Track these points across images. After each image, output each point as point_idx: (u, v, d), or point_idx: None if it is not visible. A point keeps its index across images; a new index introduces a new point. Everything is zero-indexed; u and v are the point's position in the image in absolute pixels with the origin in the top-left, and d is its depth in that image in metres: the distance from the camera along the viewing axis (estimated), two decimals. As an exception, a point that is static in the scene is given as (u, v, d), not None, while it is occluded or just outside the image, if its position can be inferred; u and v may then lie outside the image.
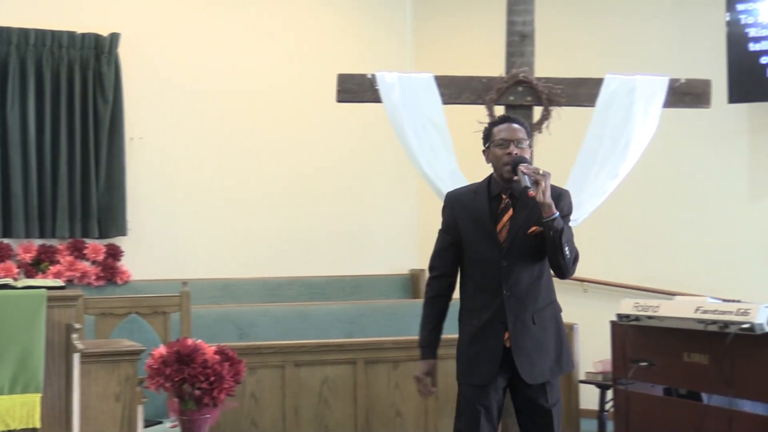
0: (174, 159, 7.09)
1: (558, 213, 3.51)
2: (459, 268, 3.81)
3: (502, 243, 3.64)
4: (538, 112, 4.95)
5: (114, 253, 6.78)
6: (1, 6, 6.58)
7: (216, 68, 7.24)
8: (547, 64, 5.17)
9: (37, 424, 3.33)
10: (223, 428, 4.59)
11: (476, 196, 3.75)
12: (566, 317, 3.82)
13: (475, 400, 3.67)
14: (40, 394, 3.34)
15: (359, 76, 4.92)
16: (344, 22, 7.76)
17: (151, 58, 7.02)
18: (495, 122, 3.81)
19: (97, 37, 6.78)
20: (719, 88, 5.55)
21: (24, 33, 6.59)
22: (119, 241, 6.86)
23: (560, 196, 3.67)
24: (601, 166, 4.87)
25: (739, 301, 3.92)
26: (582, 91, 4.97)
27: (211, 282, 6.99)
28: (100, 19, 6.83)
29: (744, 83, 6.01)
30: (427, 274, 7.74)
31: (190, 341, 3.47)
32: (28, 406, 3.33)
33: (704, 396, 3.97)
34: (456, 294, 3.87)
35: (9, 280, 3.58)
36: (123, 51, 6.86)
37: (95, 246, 6.72)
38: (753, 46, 5.99)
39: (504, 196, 3.69)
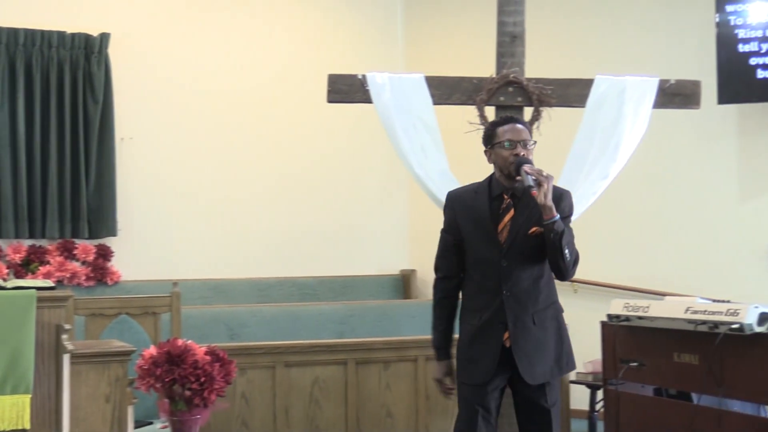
0: (164, 159, 7.07)
1: (558, 216, 3.52)
2: (464, 268, 3.81)
3: (502, 243, 3.65)
4: (528, 112, 4.96)
5: (104, 253, 6.77)
6: (-9, 6, 6.57)
7: (206, 68, 7.23)
8: (537, 65, 5.17)
9: (27, 425, 3.32)
10: (213, 429, 4.58)
11: (477, 195, 3.76)
12: (557, 318, 3.82)
13: (473, 399, 3.69)
14: (29, 395, 3.33)
15: (350, 77, 4.92)
16: (335, 23, 7.75)
17: (142, 58, 7.01)
18: (498, 122, 3.80)
19: (87, 37, 6.76)
20: (709, 89, 5.56)
21: (13, 33, 6.56)
22: (109, 241, 6.84)
23: (561, 197, 3.68)
24: (591, 167, 4.88)
25: (728, 302, 3.93)
26: (572, 92, 4.98)
27: (202, 282, 6.99)
28: (90, 19, 6.82)
29: (733, 84, 6.02)
30: (418, 275, 7.87)
31: (180, 342, 3.47)
32: (18, 407, 3.31)
33: (694, 396, 3.98)
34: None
35: (-2, 281, 3.57)
36: (113, 51, 6.84)
37: (85, 246, 6.71)
38: (742, 47, 6.00)
39: (505, 197, 3.69)
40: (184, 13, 7.24)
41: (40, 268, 6.51)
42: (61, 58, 6.69)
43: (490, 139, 3.75)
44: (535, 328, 3.65)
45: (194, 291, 6.80)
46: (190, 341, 3.49)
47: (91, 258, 6.71)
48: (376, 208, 7.79)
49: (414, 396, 5.07)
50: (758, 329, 3.60)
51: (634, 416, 4.20)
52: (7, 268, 6.42)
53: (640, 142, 4.96)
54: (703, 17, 6.24)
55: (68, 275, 6.58)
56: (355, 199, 7.69)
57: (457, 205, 3.81)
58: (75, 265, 6.66)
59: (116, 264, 6.82)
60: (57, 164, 6.63)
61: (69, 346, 3.44)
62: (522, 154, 3.63)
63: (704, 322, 3.76)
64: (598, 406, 5.36)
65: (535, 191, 3.47)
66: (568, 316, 3.83)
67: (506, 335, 3.64)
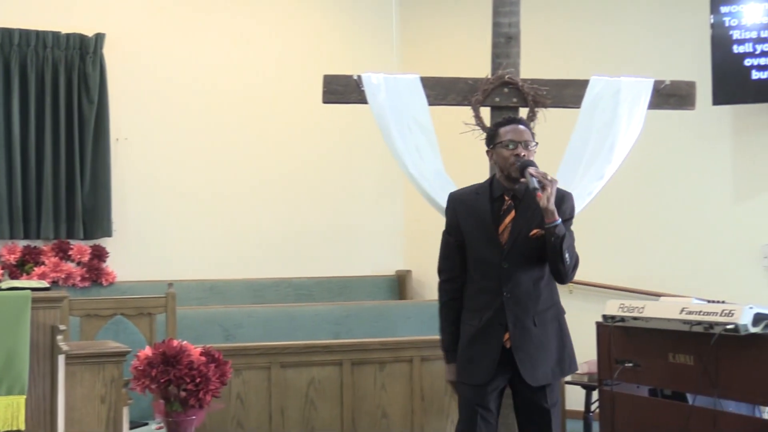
0: (159, 160, 7.07)
1: (560, 219, 3.53)
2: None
3: (503, 245, 3.65)
4: (523, 113, 4.96)
5: (99, 254, 6.76)
6: (-14, 6, 6.56)
7: (202, 69, 7.23)
8: (532, 66, 5.18)
9: (22, 426, 3.32)
10: (209, 430, 4.59)
11: (478, 197, 3.76)
12: (551, 319, 3.83)
13: (473, 400, 3.70)
14: (24, 396, 3.33)
15: (345, 77, 4.92)
16: (330, 24, 7.75)
17: (137, 59, 7.00)
18: (500, 123, 3.82)
19: (82, 38, 6.76)
20: (703, 90, 5.57)
21: (8, 33, 6.55)
22: (104, 242, 6.83)
23: (563, 199, 3.69)
24: (586, 168, 4.88)
25: (723, 302, 3.93)
26: (567, 93, 4.99)
27: (197, 283, 6.98)
28: (85, 20, 6.81)
29: (728, 85, 6.03)
30: (413, 276, 7.87)
31: (175, 342, 3.46)
32: (13, 408, 3.31)
33: (689, 396, 3.98)
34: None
35: (-7, 282, 3.57)
36: (108, 51, 6.84)
37: (80, 247, 6.70)
38: (737, 49, 6.01)
39: (506, 198, 3.70)
40: (180, 14, 7.23)
41: (35, 268, 6.50)
42: (56, 59, 6.68)
43: (492, 140, 3.76)
44: (536, 329, 3.66)
45: (189, 292, 6.80)
46: (185, 342, 3.49)
47: (86, 259, 6.70)
48: (372, 209, 7.79)
49: (409, 397, 5.07)
50: (753, 330, 3.61)
51: (629, 417, 4.20)
52: (2, 268, 6.41)
53: (635, 143, 4.97)
54: (698, 18, 6.25)
55: (63, 276, 6.57)
56: (351, 199, 7.69)
57: (459, 206, 3.81)
58: (70, 266, 6.65)
59: (111, 265, 6.81)
60: (52, 165, 6.62)
61: (64, 346, 3.43)
62: (523, 154, 3.64)
63: (699, 323, 3.77)
64: (594, 407, 5.36)
65: (539, 193, 3.48)
66: (563, 317, 3.84)
67: (506, 336, 3.65)
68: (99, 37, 6.78)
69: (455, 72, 5.09)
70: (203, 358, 3.45)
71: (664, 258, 6.53)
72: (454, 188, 4.85)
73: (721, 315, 3.70)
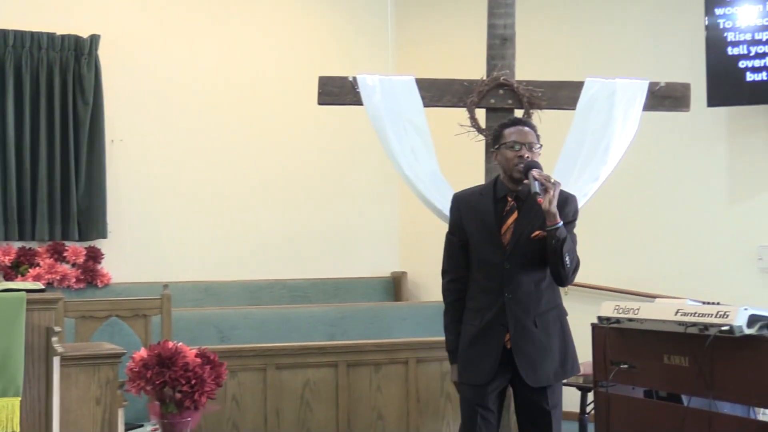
0: (155, 161, 7.07)
1: (561, 223, 3.53)
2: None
3: (505, 245, 3.66)
4: (519, 115, 4.96)
5: (94, 255, 6.75)
6: (-20, 8, 6.56)
7: (197, 71, 7.23)
8: (528, 67, 5.18)
9: (17, 428, 3.31)
10: (204, 431, 4.58)
11: (482, 197, 3.77)
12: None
13: (473, 399, 3.71)
14: (19, 398, 3.32)
15: (340, 79, 4.92)
16: (325, 27, 7.76)
17: (132, 60, 7.00)
18: (505, 124, 3.82)
19: (77, 39, 6.75)
20: (698, 92, 5.58)
21: (3, 34, 6.55)
22: (99, 243, 6.83)
23: (566, 202, 3.70)
24: (581, 169, 4.88)
25: (718, 304, 3.94)
26: (562, 94, 4.99)
27: (192, 285, 6.98)
28: (80, 21, 6.81)
29: (722, 87, 6.04)
30: (408, 277, 7.86)
31: (171, 344, 3.46)
32: (8, 410, 3.30)
33: (684, 398, 3.98)
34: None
35: (-12, 283, 3.56)
36: (103, 53, 6.83)
37: (75, 248, 6.69)
38: (731, 50, 6.02)
39: (509, 199, 3.71)
40: (175, 16, 7.23)
41: (30, 270, 6.49)
42: (51, 60, 6.67)
43: (497, 140, 3.77)
44: (537, 330, 3.67)
45: (185, 293, 6.80)
46: (180, 343, 3.49)
47: (81, 260, 6.69)
48: (367, 211, 7.79)
49: (405, 398, 5.07)
50: (748, 331, 3.61)
51: (624, 418, 4.21)
52: (-3, 270, 6.41)
53: (630, 145, 4.98)
54: (693, 20, 6.26)
55: (58, 277, 6.56)
56: (346, 201, 7.69)
57: (463, 206, 3.82)
58: (65, 268, 6.64)
59: (106, 266, 6.80)
60: (47, 166, 6.62)
61: (59, 348, 3.43)
62: (527, 156, 3.65)
63: (694, 324, 3.77)
64: (589, 408, 5.36)
65: (540, 198, 3.48)
66: (558, 319, 3.84)
67: (507, 337, 3.66)
68: (94, 39, 6.78)
69: (450, 74, 5.09)
70: (198, 360, 3.45)
71: (659, 259, 6.54)
72: (449, 190, 4.87)
73: (716, 316, 3.70)
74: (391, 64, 7.63)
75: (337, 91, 4.91)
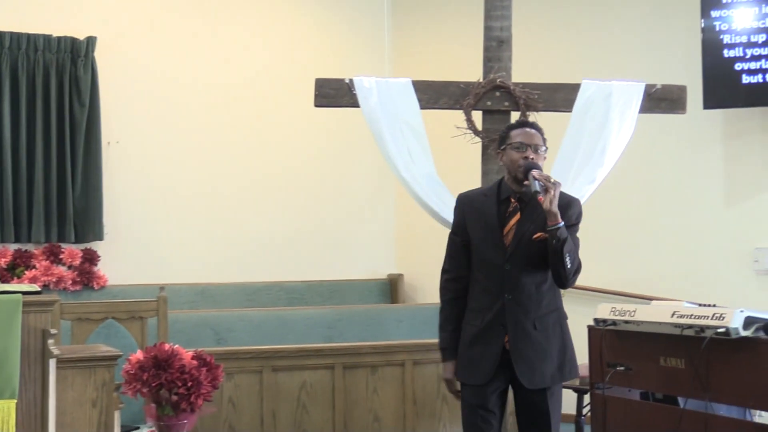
0: (151, 163, 7.06)
1: (563, 223, 3.54)
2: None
3: (507, 246, 3.68)
4: (515, 117, 4.97)
5: (90, 257, 6.75)
6: (-24, 10, 6.55)
7: (194, 73, 7.22)
8: (524, 70, 5.19)
9: (13, 431, 3.30)
10: (200, 434, 4.58)
11: (486, 198, 3.80)
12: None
13: (473, 400, 3.73)
14: (15, 400, 3.31)
15: (337, 81, 4.92)
16: (322, 30, 7.76)
17: (128, 62, 7.00)
18: (512, 126, 3.86)
19: (73, 41, 6.75)
20: (694, 94, 5.59)
21: (-1, 36, 6.55)
22: (96, 245, 6.82)
23: (569, 205, 3.71)
24: (578, 171, 4.89)
25: (714, 306, 3.94)
26: (559, 97, 5.00)
27: (189, 287, 6.97)
28: (76, 23, 6.80)
29: (719, 89, 6.05)
30: (405, 279, 7.86)
31: (167, 346, 3.46)
32: (3, 413, 3.29)
33: (680, 400, 3.99)
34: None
35: (-16, 286, 3.55)
36: (99, 55, 6.83)
37: (71, 250, 6.68)
38: (728, 53, 6.03)
39: (512, 200, 3.73)
40: (171, 17, 7.23)
41: (26, 272, 6.48)
42: (47, 62, 6.67)
43: (503, 141, 3.79)
44: (536, 333, 3.68)
45: (181, 295, 6.79)
46: (177, 346, 3.48)
47: (77, 262, 6.68)
48: (364, 213, 7.79)
49: (401, 400, 5.07)
50: (744, 333, 3.61)
51: (620, 420, 4.21)
52: (-7, 272, 6.40)
53: (626, 147, 4.98)
54: (689, 23, 6.27)
55: (54, 279, 6.55)
56: (343, 203, 7.69)
57: (467, 207, 3.85)
58: (61, 270, 6.64)
59: (103, 268, 6.80)
60: (43, 168, 6.61)
61: (55, 350, 3.42)
62: (532, 158, 3.66)
63: (690, 327, 3.77)
64: (585, 410, 5.36)
65: (541, 197, 3.50)
66: (554, 321, 3.83)
67: (507, 338, 3.67)
68: (90, 41, 6.77)
69: (447, 76, 5.10)
70: (195, 362, 3.44)
71: (655, 262, 6.55)
72: (446, 192, 4.88)
73: (712, 318, 3.70)
74: (387, 67, 7.64)
75: (334, 93, 4.91)
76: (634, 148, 5.11)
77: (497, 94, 4.94)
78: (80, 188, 6.75)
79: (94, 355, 3.70)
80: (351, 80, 4.91)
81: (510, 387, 3.79)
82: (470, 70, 5.13)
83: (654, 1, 6.67)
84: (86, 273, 6.68)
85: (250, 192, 7.37)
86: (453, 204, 4.79)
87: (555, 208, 3.52)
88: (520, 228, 3.68)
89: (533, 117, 4.84)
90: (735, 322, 3.61)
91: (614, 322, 4.19)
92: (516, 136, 3.74)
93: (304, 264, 7.44)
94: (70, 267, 6.68)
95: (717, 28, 6.06)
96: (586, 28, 6.96)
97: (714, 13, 6.06)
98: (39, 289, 3.64)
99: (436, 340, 3.98)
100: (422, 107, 4.93)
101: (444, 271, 3.91)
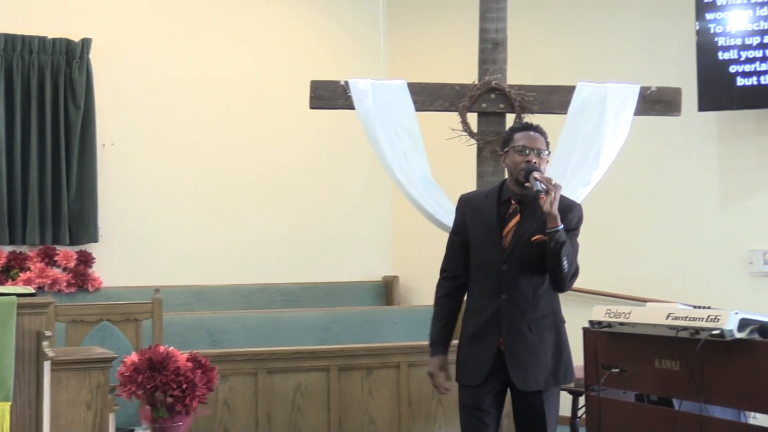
0: (146, 165, 7.06)
1: (562, 226, 3.55)
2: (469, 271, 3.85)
3: (505, 247, 3.68)
4: (510, 119, 4.98)
5: (85, 259, 6.73)
6: (-29, 11, 6.54)
7: (188, 75, 7.22)
8: (519, 72, 5.19)
9: (7, 433, 3.30)
10: (195, 436, 4.57)
11: (487, 199, 3.82)
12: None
13: (468, 401, 3.75)
14: (9, 403, 3.30)
15: (332, 83, 4.93)
16: (317, 33, 7.76)
17: (123, 64, 6.99)
18: (516, 128, 3.87)
19: (68, 43, 6.74)
20: (689, 97, 5.59)
21: (-6, 38, 6.54)
22: (91, 247, 6.81)
23: (570, 209, 3.72)
24: (573, 173, 4.90)
25: (709, 308, 3.94)
26: (554, 99, 5.01)
27: (184, 289, 6.96)
28: (71, 25, 6.79)
29: (713, 92, 6.05)
30: (400, 281, 7.86)
31: (162, 348, 3.45)
32: (-2, 415, 3.29)
33: (675, 402, 3.99)
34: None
35: (-22, 288, 3.54)
36: (94, 57, 6.82)
37: (66, 253, 6.67)
38: (722, 55, 6.03)
39: (513, 202, 3.74)
40: (167, 20, 7.22)
41: (21, 274, 6.47)
42: (42, 64, 6.66)
43: (506, 143, 3.81)
44: (531, 335, 3.69)
45: (176, 297, 6.78)
46: (171, 348, 3.48)
47: (72, 264, 6.67)
48: (359, 215, 7.79)
49: (396, 402, 5.07)
50: (739, 335, 3.62)
51: (615, 422, 4.21)
52: (-13, 274, 6.39)
53: (621, 149, 4.99)
54: (684, 25, 6.28)
55: (49, 282, 6.54)
56: (338, 205, 7.69)
57: (467, 207, 3.86)
58: (56, 272, 6.62)
59: (97, 270, 6.79)
60: (38, 170, 6.60)
61: (49, 352, 3.42)
62: (534, 161, 3.67)
63: (685, 328, 3.77)
64: (580, 413, 5.37)
65: (543, 196, 3.51)
66: (549, 323, 3.83)
67: (501, 339, 3.67)
68: (85, 42, 6.77)
69: (442, 78, 5.10)
70: (190, 364, 3.44)
71: (650, 264, 6.55)
72: (441, 194, 4.89)
73: (707, 320, 3.70)
74: (383, 69, 7.64)
75: (329, 95, 4.92)
76: (629, 151, 5.12)
77: (492, 96, 4.95)
78: (75, 190, 6.75)
79: (89, 357, 3.70)
80: (346, 82, 4.92)
81: (508, 389, 3.79)
82: (465, 72, 5.13)
83: (649, 3, 6.68)
84: (81, 275, 6.67)
85: (246, 194, 7.36)
86: (448, 206, 4.83)
87: (555, 211, 3.53)
88: (519, 230, 3.69)
89: (529, 119, 4.84)
90: (730, 324, 3.61)
91: (609, 324, 4.19)
92: (519, 139, 3.75)
93: (299, 266, 7.44)
94: (64, 269, 6.67)
95: (712, 31, 6.06)
96: (581, 30, 6.97)
97: (709, 16, 6.07)
98: (33, 291, 3.63)
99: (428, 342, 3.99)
100: (417, 109, 4.93)
101: (441, 270, 3.94)
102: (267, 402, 4.90)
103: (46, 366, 3.42)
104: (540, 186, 3.55)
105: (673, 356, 3.90)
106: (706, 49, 6.07)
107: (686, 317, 3.81)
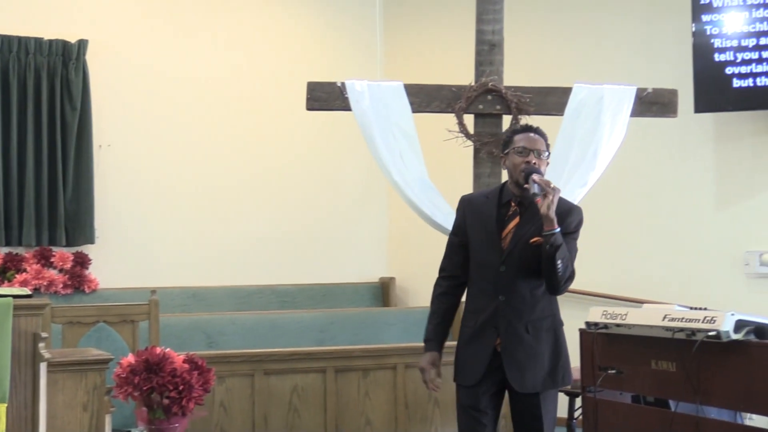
0: (142, 167, 7.05)
1: (559, 229, 3.56)
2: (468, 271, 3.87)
3: (504, 249, 3.69)
4: (507, 120, 4.98)
5: (82, 261, 6.73)
6: (-33, 13, 6.53)
7: (185, 76, 7.21)
8: (516, 73, 5.19)
9: (3, 434, 3.30)
10: (191, 437, 4.56)
11: (487, 200, 3.84)
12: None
13: (465, 401, 3.77)
14: (5, 404, 3.30)
15: (329, 84, 4.92)
16: (314, 35, 7.75)
17: (120, 65, 6.98)
18: (516, 130, 3.88)
19: (64, 44, 6.73)
20: (685, 98, 5.60)
21: (-10, 39, 6.53)
22: (87, 249, 6.80)
23: (569, 212, 3.74)
24: (569, 175, 4.90)
25: (705, 309, 3.95)
26: (550, 100, 5.01)
27: (180, 290, 6.96)
28: (67, 26, 6.78)
29: (709, 93, 6.06)
30: (397, 283, 7.87)
31: (158, 350, 3.44)
32: (-6, 416, 3.29)
33: (671, 403, 3.99)
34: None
35: (-25, 289, 3.54)
36: (91, 58, 6.81)
37: (63, 254, 6.66)
38: (718, 57, 6.04)
39: (513, 204, 3.75)
40: (163, 21, 7.21)
41: (17, 275, 6.46)
42: (39, 65, 6.65)
43: (506, 145, 3.82)
44: (528, 336, 3.70)
45: (173, 299, 6.78)
46: (168, 349, 3.47)
47: (68, 266, 6.66)
48: (356, 216, 7.79)
49: (393, 404, 5.07)
50: (735, 337, 3.62)
51: (612, 423, 4.21)
52: (-16, 276, 6.38)
53: (617, 151, 4.99)
54: (680, 27, 6.28)
55: (45, 283, 6.53)
56: (335, 206, 7.68)
57: (468, 208, 3.88)
58: (52, 273, 6.61)
59: (94, 272, 6.78)
60: (34, 171, 6.59)
61: (46, 354, 3.42)
62: (534, 162, 3.68)
63: (681, 330, 3.78)
64: (577, 414, 5.37)
65: (539, 199, 3.51)
66: (546, 324, 3.84)
67: (498, 340, 3.68)
68: (82, 44, 6.76)
69: (439, 79, 5.10)
70: (186, 366, 3.43)
71: (646, 265, 6.56)
72: (437, 195, 4.89)
73: (703, 322, 3.71)
74: (379, 70, 7.64)
75: (326, 97, 4.92)
76: (625, 152, 5.12)
77: (489, 97, 4.95)
78: (71, 191, 6.74)
79: (85, 358, 3.69)
80: (343, 84, 4.91)
81: (506, 390, 3.80)
82: (462, 73, 5.13)
83: (645, 5, 6.69)
84: (77, 276, 6.66)
85: (242, 195, 7.36)
86: (445, 208, 4.83)
87: (552, 214, 3.54)
88: (518, 231, 3.71)
89: (525, 120, 4.85)
90: (726, 325, 3.62)
91: (606, 326, 4.20)
92: (519, 140, 3.77)
93: (296, 267, 7.44)
94: (61, 270, 6.66)
95: (708, 32, 6.07)
96: (578, 31, 6.98)
97: (705, 18, 6.08)
98: (30, 292, 3.63)
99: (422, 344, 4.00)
100: (414, 111, 4.93)
101: (440, 270, 3.96)
102: (264, 403, 4.90)
103: (43, 367, 3.42)
104: (537, 189, 3.55)
105: (670, 357, 3.90)
106: (703, 50, 6.08)
107: (683, 318, 3.82)
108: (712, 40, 6.06)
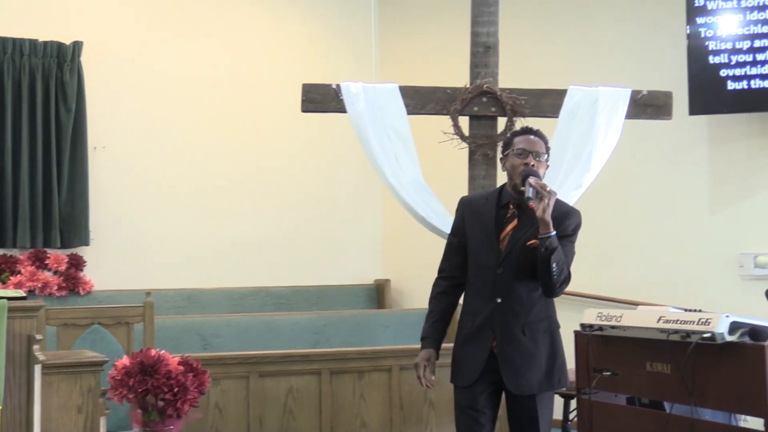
0: (137, 168, 7.04)
1: (554, 232, 3.56)
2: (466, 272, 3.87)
3: (501, 251, 3.70)
4: (502, 122, 4.98)
5: (76, 263, 6.72)
6: (-38, 14, 6.52)
7: (180, 78, 7.21)
8: (511, 75, 5.20)
9: (-2, 437, 3.29)
10: (186, 439, 4.56)
11: (487, 202, 3.84)
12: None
13: (462, 401, 3.77)
14: (0, 407, 3.29)
15: (324, 86, 4.93)
16: (310, 38, 7.76)
17: (115, 66, 6.98)
18: (516, 132, 3.89)
19: (59, 45, 6.73)
20: (680, 100, 5.61)
21: (-15, 40, 6.52)
22: (82, 251, 6.79)
23: (567, 216, 3.74)
24: (564, 177, 4.91)
25: (700, 311, 3.95)
26: (546, 102, 5.02)
27: (175, 292, 6.95)
28: (62, 27, 6.78)
29: (704, 95, 6.07)
30: (392, 284, 7.86)
31: (153, 352, 3.45)
32: (-12, 419, 3.28)
33: (666, 405, 4.00)
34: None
35: (-31, 291, 3.53)
36: (86, 59, 6.81)
37: (57, 256, 6.65)
38: (713, 59, 6.06)
39: (511, 206, 3.75)
40: (158, 23, 7.21)
41: (12, 277, 6.45)
42: (33, 66, 6.64)
43: (506, 147, 3.83)
44: (525, 338, 3.70)
45: (167, 301, 6.77)
46: (163, 351, 3.47)
47: (63, 268, 6.65)
48: (351, 218, 7.79)
49: (388, 406, 5.07)
50: (729, 338, 3.63)
51: (607, 425, 4.21)
52: (-22, 277, 6.36)
53: (612, 153, 5.00)
54: (675, 29, 6.30)
55: (40, 285, 6.52)
56: (330, 208, 7.69)
57: (467, 209, 3.89)
58: (47, 275, 6.60)
59: (89, 274, 6.77)
60: (29, 173, 6.58)
61: (40, 356, 3.41)
62: (532, 164, 3.68)
63: (676, 332, 3.78)
64: (572, 416, 5.37)
65: (532, 203, 3.51)
66: (541, 326, 3.84)
67: (495, 342, 3.69)
68: (77, 45, 6.75)
69: (434, 81, 5.10)
70: (181, 368, 3.43)
71: (641, 267, 6.56)
72: (432, 197, 4.89)
73: (697, 323, 3.71)
74: (374, 72, 7.64)
75: (321, 99, 4.92)
76: (620, 154, 5.13)
77: (484, 99, 4.96)
78: (66, 193, 6.73)
79: (80, 360, 3.69)
80: (338, 85, 4.92)
81: (503, 391, 3.81)
82: (457, 75, 5.14)
83: (640, 7, 6.70)
84: (72, 278, 6.65)
85: (237, 197, 7.36)
86: (439, 209, 4.84)
87: (547, 217, 3.54)
88: (516, 233, 3.71)
89: (520, 122, 4.85)
90: (720, 327, 3.62)
91: (601, 328, 4.20)
92: (519, 142, 3.78)
93: (291, 269, 7.44)
94: (55, 272, 6.65)
95: (702, 35, 6.08)
96: (573, 34, 6.99)
97: (699, 20, 6.09)
98: (24, 294, 3.63)
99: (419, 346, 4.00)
100: (409, 113, 4.94)
101: (439, 270, 3.98)
102: (259, 405, 4.89)
103: (37, 369, 3.42)
104: (531, 193, 3.55)
105: (665, 359, 3.90)
106: (697, 53, 6.09)
107: (677, 320, 3.82)
108: (706, 43, 6.07)
